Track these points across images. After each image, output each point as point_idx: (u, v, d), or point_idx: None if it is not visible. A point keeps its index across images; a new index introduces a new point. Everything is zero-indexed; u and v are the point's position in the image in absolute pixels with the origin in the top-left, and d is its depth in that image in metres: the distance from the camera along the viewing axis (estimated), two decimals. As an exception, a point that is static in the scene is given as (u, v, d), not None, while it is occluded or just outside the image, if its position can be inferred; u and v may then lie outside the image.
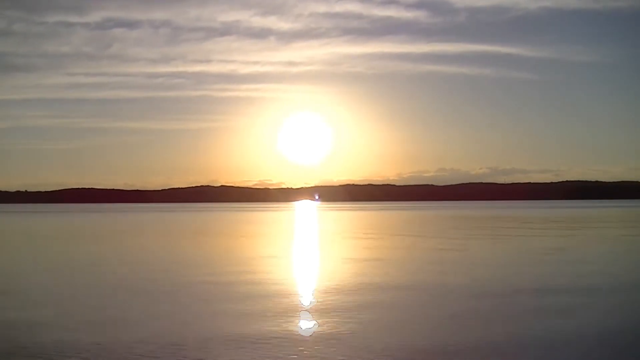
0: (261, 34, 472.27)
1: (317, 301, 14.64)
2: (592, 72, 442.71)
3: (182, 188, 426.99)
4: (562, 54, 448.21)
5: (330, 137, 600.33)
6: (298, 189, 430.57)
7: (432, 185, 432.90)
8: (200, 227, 59.08)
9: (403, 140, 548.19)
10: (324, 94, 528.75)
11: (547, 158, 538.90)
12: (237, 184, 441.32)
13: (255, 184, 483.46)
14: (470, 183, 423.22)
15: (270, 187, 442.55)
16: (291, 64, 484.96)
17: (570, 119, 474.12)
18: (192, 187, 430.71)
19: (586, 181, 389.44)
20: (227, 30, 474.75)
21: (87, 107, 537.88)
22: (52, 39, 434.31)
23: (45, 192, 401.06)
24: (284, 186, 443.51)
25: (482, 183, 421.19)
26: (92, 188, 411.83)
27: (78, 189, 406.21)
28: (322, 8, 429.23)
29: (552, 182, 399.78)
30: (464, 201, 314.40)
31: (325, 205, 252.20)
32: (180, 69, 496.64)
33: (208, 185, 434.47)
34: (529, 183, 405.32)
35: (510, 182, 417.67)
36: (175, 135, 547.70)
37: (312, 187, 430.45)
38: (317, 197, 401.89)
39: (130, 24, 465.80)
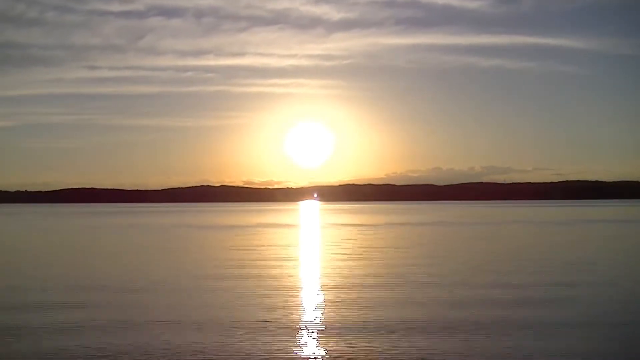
0: (309, 25, 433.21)
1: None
2: (618, 66, 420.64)
3: (182, 188, 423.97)
4: (605, 46, 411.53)
5: (333, 137, 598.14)
6: (297, 188, 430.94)
7: (430, 185, 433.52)
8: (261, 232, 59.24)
9: (401, 140, 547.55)
10: (344, 90, 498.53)
11: (547, 157, 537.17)
12: (229, 184, 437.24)
13: (245, 183, 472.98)
14: (469, 183, 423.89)
15: (270, 187, 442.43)
16: (329, 57, 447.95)
17: (572, 118, 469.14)
18: (193, 187, 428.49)
19: (586, 181, 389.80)
20: (273, 20, 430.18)
21: (103, 104, 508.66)
22: (82, 29, 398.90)
23: (46, 192, 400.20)
24: (277, 186, 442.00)
25: (481, 183, 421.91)
26: (92, 188, 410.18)
27: (78, 189, 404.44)
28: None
29: (552, 182, 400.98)
30: (464, 201, 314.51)
31: (326, 205, 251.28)
32: (212, 62, 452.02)
33: (208, 185, 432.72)
34: (529, 183, 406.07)
35: (509, 182, 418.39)
36: (186, 134, 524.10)
37: (311, 187, 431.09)
38: (315, 197, 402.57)
39: (172, 12, 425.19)
